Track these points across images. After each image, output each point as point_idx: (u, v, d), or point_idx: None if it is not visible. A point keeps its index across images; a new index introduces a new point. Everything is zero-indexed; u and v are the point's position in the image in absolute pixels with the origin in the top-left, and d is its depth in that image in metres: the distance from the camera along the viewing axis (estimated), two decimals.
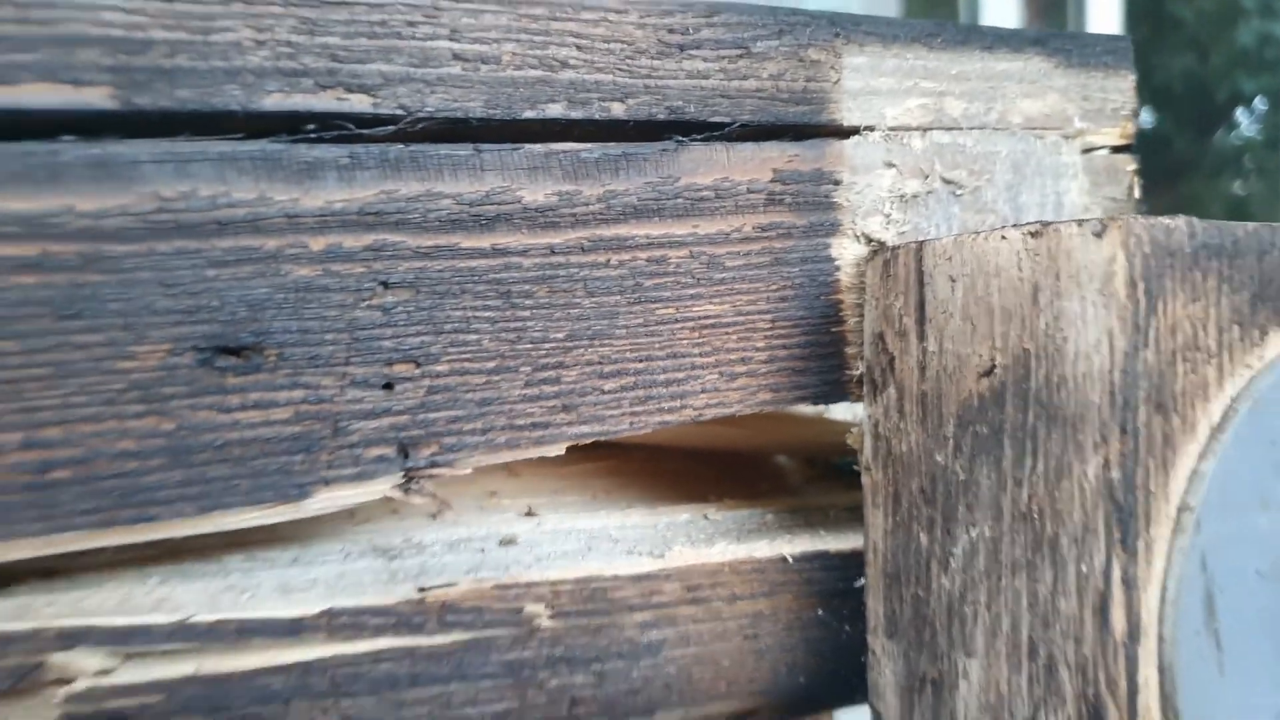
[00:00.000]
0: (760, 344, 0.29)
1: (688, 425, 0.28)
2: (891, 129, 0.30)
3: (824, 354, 0.29)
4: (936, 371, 0.27)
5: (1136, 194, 0.34)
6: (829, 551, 0.29)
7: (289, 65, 0.24)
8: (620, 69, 0.27)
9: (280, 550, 0.28)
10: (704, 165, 0.28)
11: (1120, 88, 0.34)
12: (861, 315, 0.30)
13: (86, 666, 0.23)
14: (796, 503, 0.34)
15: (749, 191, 0.28)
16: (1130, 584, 0.23)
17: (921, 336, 0.28)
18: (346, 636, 0.24)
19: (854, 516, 0.32)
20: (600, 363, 0.27)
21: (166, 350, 0.23)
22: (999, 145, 0.32)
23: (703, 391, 0.28)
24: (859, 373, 0.30)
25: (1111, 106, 0.34)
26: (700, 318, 0.28)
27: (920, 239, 0.29)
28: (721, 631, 0.28)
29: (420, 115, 0.25)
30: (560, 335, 0.27)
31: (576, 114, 0.26)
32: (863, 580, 0.30)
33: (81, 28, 0.22)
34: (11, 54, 0.21)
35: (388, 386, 0.25)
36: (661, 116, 0.27)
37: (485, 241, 0.26)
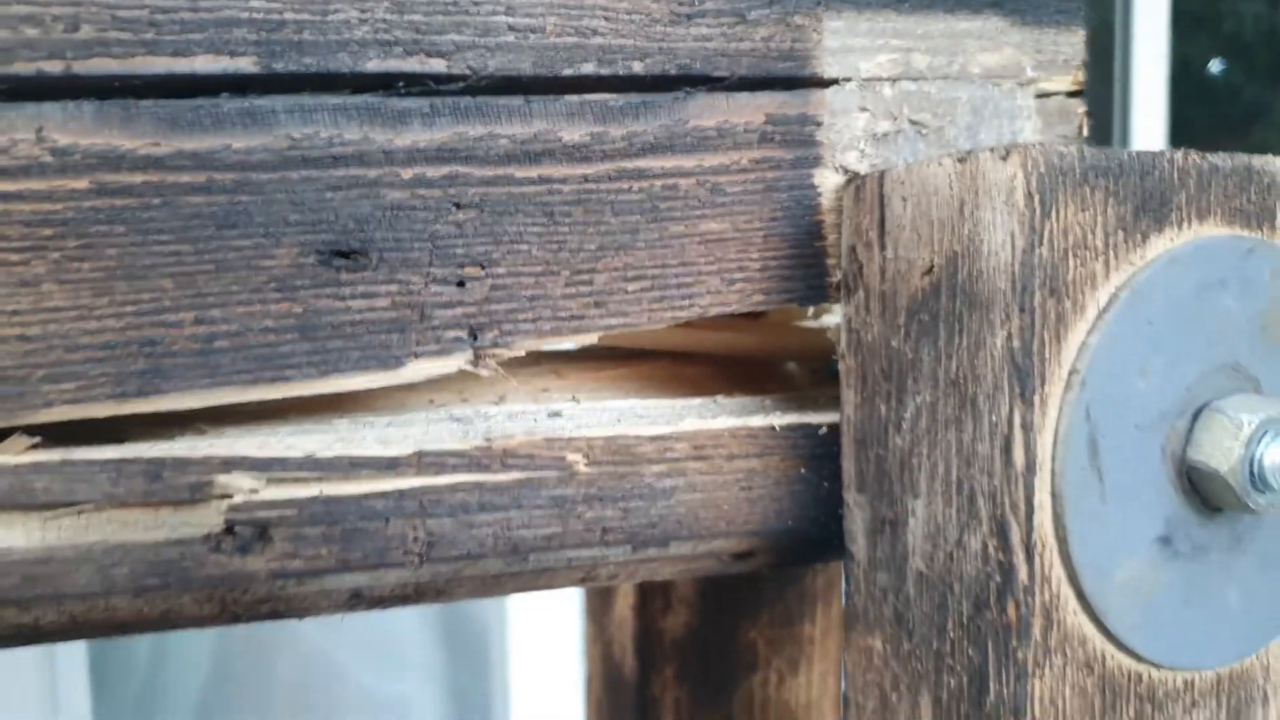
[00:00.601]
0: (755, 255, 0.36)
1: (695, 320, 0.36)
2: (865, 80, 0.37)
3: (808, 264, 0.36)
4: (893, 274, 0.34)
5: (1085, 132, 0.41)
6: (810, 423, 0.37)
7: (384, 37, 0.31)
8: (640, 35, 0.34)
9: (376, 414, 0.36)
10: (708, 111, 0.35)
11: (1071, 42, 0.40)
12: (839, 232, 0.37)
13: (241, 485, 0.31)
14: (793, 394, 0.41)
15: (745, 131, 0.35)
16: (1028, 428, 0.30)
17: (883, 246, 0.34)
18: (431, 472, 0.32)
19: (836, 401, 0.39)
20: (624, 269, 0.34)
21: (296, 253, 0.31)
22: (960, 92, 0.38)
23: (708, 293, 0.35)
24: (837, 279, 0.37)
25: (1063, 58, 0.40)
26: (705, 233, 0.35)
27: (885, 169, 0.35)
28: (722, 483, 0.36)
29: (483, 74, 0.32)
30: (593, 246, 0.34)
31: (605, 71, 0.34)
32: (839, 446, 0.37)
33: (234, 13, 0.30)
34: (188, 34, 0.29)
35: (460, 284, 0.33)
36: (673, 72, 0.34)
37: (534, 172, 0.33)
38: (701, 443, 0.35)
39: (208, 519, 0.31)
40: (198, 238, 0.30)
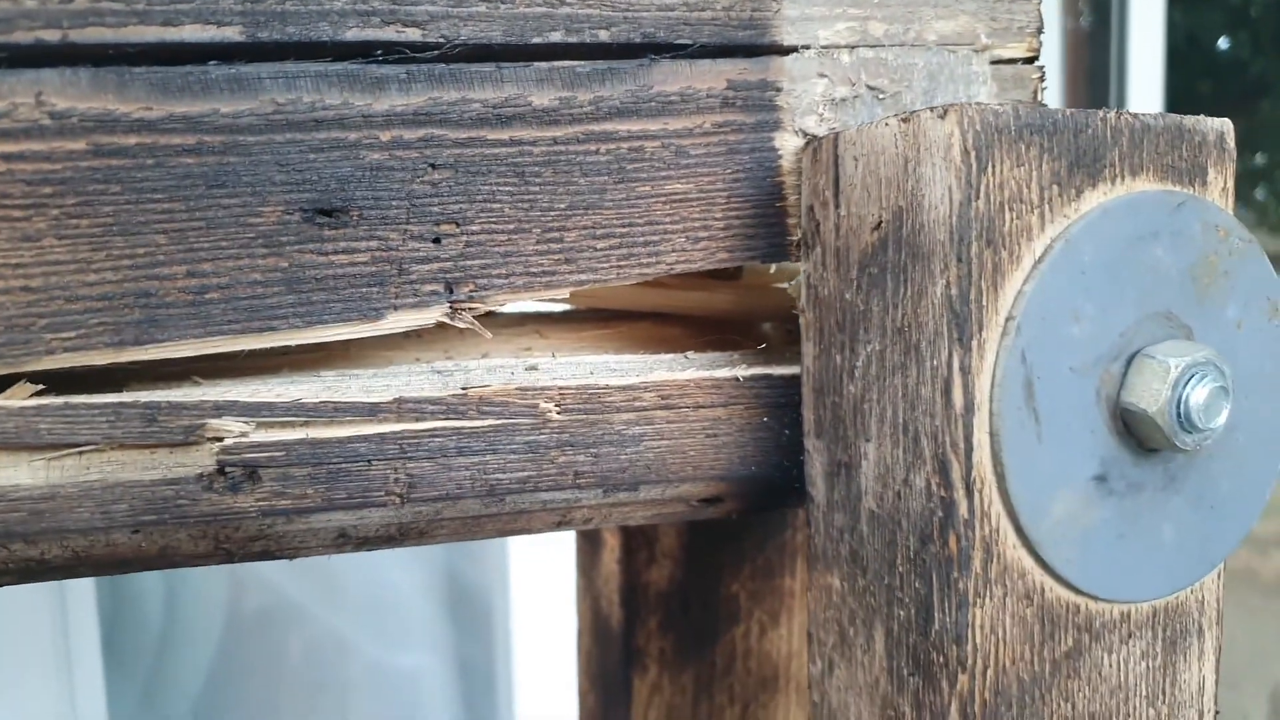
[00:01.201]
0: (719, 215, 0.38)
1: (662, 277, 0.38)
2: (824, 47, 0.38)
3: (770, 223, 0.38)
4: (846, 230, 0.36)
5: (1040, 97, 0.42)
6: (772, 375, 0.39)
7: (363, 8, 0.33)
8: (606, 5, 0.36)
9: (363, 369, 0.38)
10: (672, 77, 0.37)
11: (1025, 10, 0.41)
12: (799, 193, 0.39)
13: (231, 429, 0.33)
14: (761, 349, 0.43)
15: (708, 96, 0.37)
16: (966, 371, 0.32)
17: (837, 205, 0.36)
18: (411, 418, 0.35)
19: (799, 354, 0.41)
20: (593, 227, 0.36)
21: (282, 210, 0.33)
22: (916, 59, 0.40)
23: (673, 251, 0.37)
24: (798, 238, 0.39)
25: (1018, 25, 0.41)
26: (670, 194, 0.37)
27: (840, 131, 0.37)
28: (688, 430, 0.38)
29: (457, 42, 0.34)
30: (562, 206, 0.36)
31: (573, 39, 0.35)
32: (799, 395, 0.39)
33: None
34: (177, 5, 0.31)
35: (436, 241, 0.35)
36: (638, 40, 0.36)
37: (505, 134, 0.35)
38: (669, 393, 0.37)
39: (200, 460, 0.33)
40: (189, 196, 0.32)
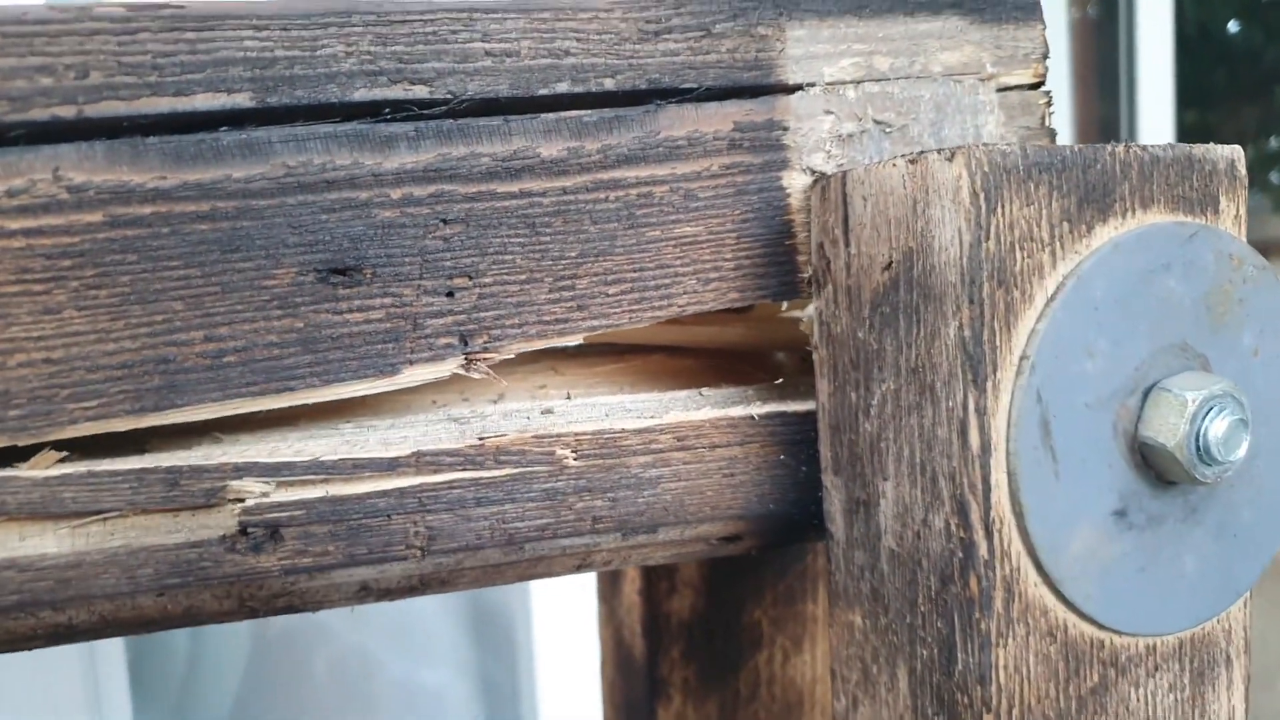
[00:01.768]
0: (729, 255, 0.38)
1: (675, 319, 0.38)
2: (829, 84, 0.39)
3: (780, 261, 0.38)
4: (857, 269, 0.36)
5: (1049, 122, 0.42)
6: (787, 412, 0.39)
7: (370, 68, 0.33)
8: (610, 53, 0.36)
9: (380, 420, 0.38)
10: (678, 121, 0.37)
11: (1030, 36, 0.41)
12: (809, 230, 0.39)
13: (252, 490, 0.33)
14: (774, 385, 0.43)
15: (714, 139, 0.37)
16: (982, 412, 0.32)
17: (847, 244, 0.36)
18: (429, 471, 0.35)
19: (813, 389, 0.41)
20: (604, 274, 0.37)
21: (296, 271, 0.33)
22: (922, 91, 0.40)
23: (684, 293, 0.38)
24: (808, 275, 0.39)
25: (1023, 53, 0.41)
26: (680, 237, 0.37)
27: (848, 170, 0.37)
28: (705, 470, 0.38)
29: (464, 98, 0.35)
30: (573, 254, 0.36)
31: (579, 89, 0.36)
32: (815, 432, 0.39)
33: (230, 53, 0.32)
34: (188, 75, 0.32)
35: (450, 295, 0.35)
36: (643, 87, 0.36)
37: (515, 186, 0.35)
38: (684, 434, 0.37)
39: (223, 521, 0.33)
40: (204, 262, 0.32)
